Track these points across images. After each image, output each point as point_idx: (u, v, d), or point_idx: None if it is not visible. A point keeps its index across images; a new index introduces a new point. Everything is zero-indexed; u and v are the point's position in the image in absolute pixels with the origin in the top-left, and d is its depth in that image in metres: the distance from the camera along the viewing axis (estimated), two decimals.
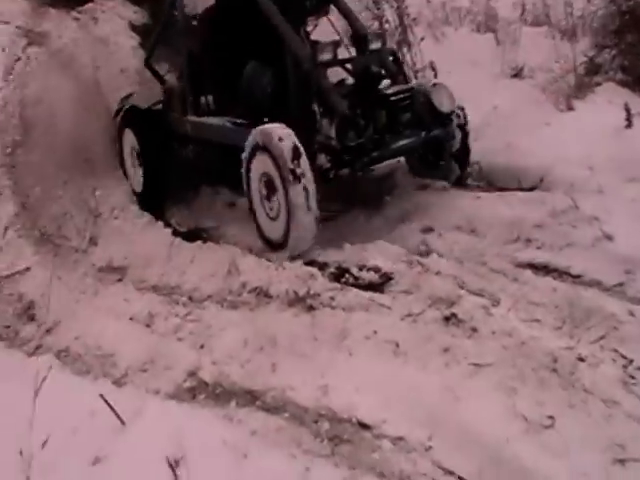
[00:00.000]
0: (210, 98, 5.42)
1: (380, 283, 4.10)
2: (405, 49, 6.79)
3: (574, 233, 4.34)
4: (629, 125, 5.24)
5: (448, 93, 4.87)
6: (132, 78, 7.01)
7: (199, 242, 4.95)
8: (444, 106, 4.76)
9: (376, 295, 3.91)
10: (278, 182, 4.22)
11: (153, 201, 5.75)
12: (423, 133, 4.71)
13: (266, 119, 4.48)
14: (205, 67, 5.34)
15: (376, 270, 4.19)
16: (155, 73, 6.23)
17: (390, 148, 4.57)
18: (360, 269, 4.23)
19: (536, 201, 4.64)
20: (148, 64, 6.26)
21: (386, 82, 4.85)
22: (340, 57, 4.80)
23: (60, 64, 7.33)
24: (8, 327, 4.63)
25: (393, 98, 4.63)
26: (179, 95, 5.65)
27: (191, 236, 5.21)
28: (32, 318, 4.62)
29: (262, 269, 4.28)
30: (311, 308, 3.89)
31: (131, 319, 4.20)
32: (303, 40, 4.94)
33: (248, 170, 4.49)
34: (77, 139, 6.63)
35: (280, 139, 4.17)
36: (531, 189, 5.05)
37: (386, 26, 7.37)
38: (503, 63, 7.32)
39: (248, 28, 4.97)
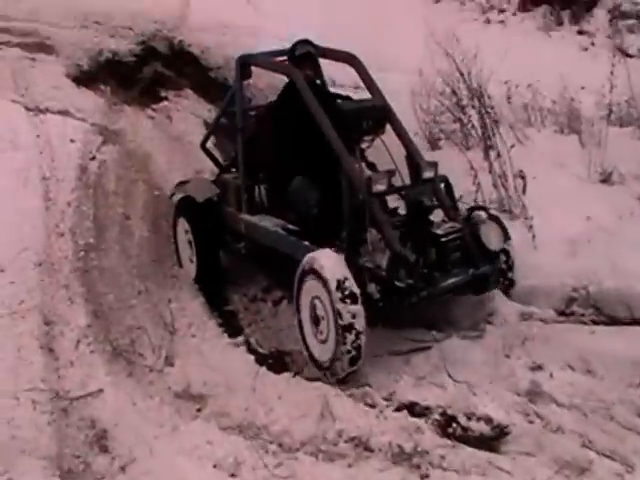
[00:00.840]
0: (264, 195, 5.46)
1: (494, 437, 3.59)
2: (492, 156, 6.33)
3: None
4: None
5: (497, 231, 4.81)
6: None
7: (286, 374, 4.48)
8: (492, 244, 4.70)
9: (493, 456, 3.40)
10: (328, 306, 4.22)
11: (206, 287, 5.75)
12: (471, 271, 4.62)
13: (316, 239, 4.68)
14: (258, 164, 5.43)
15: (487, 420, 3.69)
16: (211, 157, 6.24)
17: (439, 287, 4.52)
18: (469, 418, 3.75)
19: None
20: (204, 147, 6.23)
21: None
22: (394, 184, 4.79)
23: (135, 164, 7.05)
24: (78, 457, 4.16)
25: (444, 239, 4.57)
26: (234, 190, 5.62)
27: (275, 362, 4.76)
28: (105, 449, 4.15)
29: (360, 415, 3.82)
30: (419, 468, 3.37)
31: (215, 466, 3.71)
32: (359, 163, 4.90)
33: (299, 293, 4.52)
34: (152, 245, 6.31)
35: (330, 266, 4.24)
36: None
37: (469, 127, 6.95)
38: (590, 167, 6.80)
39: (302, 138, 4.97)
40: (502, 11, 10.76)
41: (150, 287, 5.82)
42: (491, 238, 4.73)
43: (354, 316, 4.16)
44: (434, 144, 7.34)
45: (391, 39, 9.28)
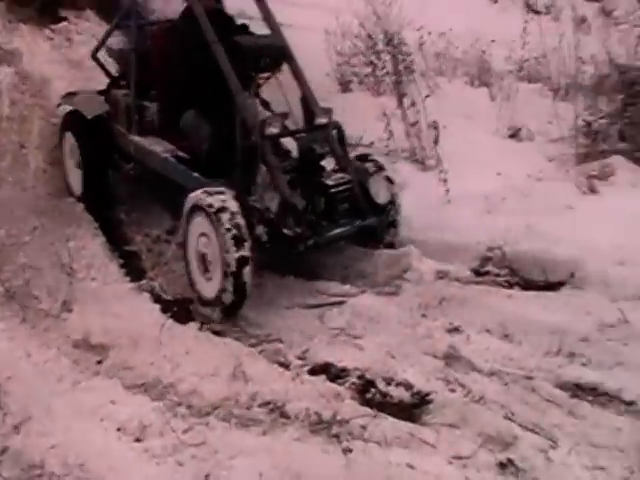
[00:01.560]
0: (155, 114, 5.17)
1: (414, 405, 3.35)
2: (406, 104, 6.03)
3: (625, 351, 3.66)
4: None
5: (385, 184, 4.74)
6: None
7: (193, 325, 4.11)
8: (380, 197, 4.66)
9: (415, 427, 3.14)
10: (215, 242, 4.08)
11: (93, 205, 5.45)
12: (358, 222, 4.56)
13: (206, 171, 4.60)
14: (151, 83, 5.18)
15: (407, 386, 3.44)
16: (102, 67, 5.76)
17: (326, 236, 4.44)
18: (388, 383, 3.49)
19: (579, 309, 3.93)
20: (95, 57, 5.76)
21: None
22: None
23: (31, 88, 6.38)
24: None
25: (333, 190, 4.48)
26: (124, 109, 5.32)
27: (179, 309, 4.36)
28: None
29: (275, 377, 3.49)
30: (338, 438, 3.09)
31: (119, 429, 3.31)
32: (253, 102, 4.78)
33: (186, 229, 4.33)
34: (49, 178, 5.75)
35: (218, 203, 4.09)
36: (560, 283, 4.35)
37: (383, 72, 6.63)
38: (498, 121, 6.62)
39: (198, 66, 4.73)
40: None
41: (46, 223, 5.30)
42: (379, 191, 4.66)
43: (241, 254, 4.01)
44: (345, 86, 7.00)
45: None
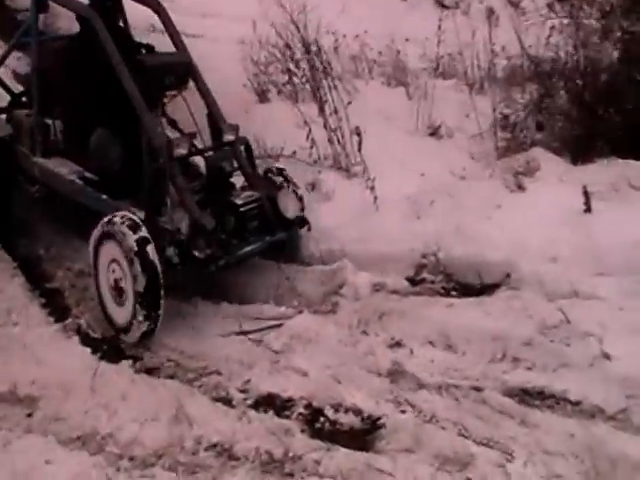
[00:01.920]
0: (60, 133, 5.03)
1: (366, 431, 3.23)
2: (328, 110, 5.89)
3: (567, 351, 3.62)
4: (588, 210, 4.59)
5: (294, 199, 4.72)
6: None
7: (127, 367, 3.90)
8: (289, 212, 4.64)
9: (370, 456, 3.03)
10: (126, 269, 3.98)
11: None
12: (267, 237, 4.54)
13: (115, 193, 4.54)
14: (55, 102, 4.98)
15: (357, 412, 3.32)
16: (3, 85, 5.59)
17: (236, 254, 4.38)
18: (336, 410, 3.36)
19: (520, 312, 3.87)
20: None
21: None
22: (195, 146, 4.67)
23: None
24: None
25: (242, 209, 4.45)
26: (28, 131, 5.12)
27: (109, 347, 4.16)
28: None
29: (220, 417, 3.32)
30: (292, 476, 2.95)
31: None
32: (160, 123, 4.73)
33: (96, 256, 4.22)
34: None
35: (127, 229, 3.99)
36: (496, 285, 4.29)
37: (302, 80, 6.49)
38: (417, 119, 6.56)
39: (103, 84, 4.56)
40: None
41: None
42: (288, 206, 4.65)
43: (152, 279, 3.92)
44: (263, 97, 6.82)
45: None
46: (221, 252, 4.26)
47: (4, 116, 5.47)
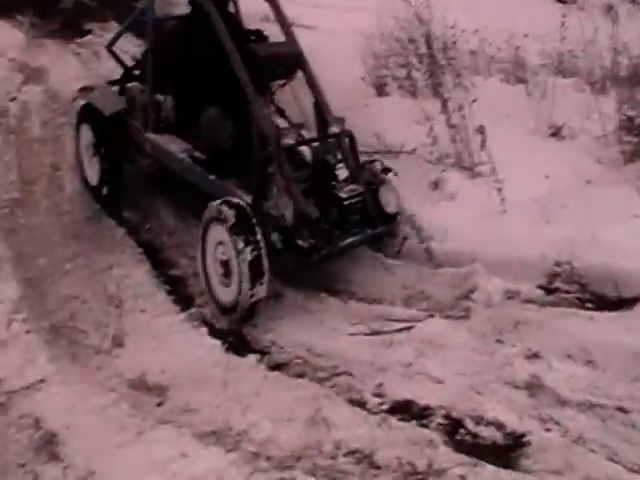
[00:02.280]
0: (171, 108, 5.11)
1: (509, 447, 3.09)
2: (451, 107, 5.72)
3: None
4: None
5: (396, 194, 4.77)
6: None
7: (261, 368, 3.84)
8: (390, 207, 4.70)
9: (520, 476, 2.89)
10: (231, 250, 4.11)
11: (107, 198, 5.42)
12: (369, 230, 4.60)
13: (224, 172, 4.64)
14: (167, 79, 5.09)
15: (499, 426, 3.18)
16: (117, 59, 5.71)
17: (338, 245, 4.45)
18: (477, 422, 3.22)
19: None
20: (110, 50, 5.68)
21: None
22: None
23: (62, 107, 6.12)
24: (23, 466, 3.43)
25: (346, 202, 4.51)
26: (141, 106, 5.24)
27: (235, 339, 4.12)
28: (55, 457, 3.43)
29: (358, 422, 3.23)
30: None
31: None
32: (269, 111, 4.83)
33: (204, 237, 4.37)
34: (86, 201, 5.51)
35: (234, 213, 4.13)
36: (636, 299, 4.07)
37: (424, 75, 6.33)
38: (537, 119, 6.32)
39: (216, 66, 4.66)
40: None
41: (87, 250, 5.06)
42: (390, 201, 4.70)
43: (256, 260, 4.05)
44: (381, 90, 6.68)
45: None
46: (323, 242, 4.32)
47: (117, 88, 5.59)
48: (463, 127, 5.67)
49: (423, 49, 6.38)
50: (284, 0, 7.71)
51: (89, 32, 7.22)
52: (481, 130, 5.52)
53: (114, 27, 7.17)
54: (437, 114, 5.86)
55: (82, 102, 5.56)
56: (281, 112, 5.20)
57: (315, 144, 4.63)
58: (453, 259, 4.60)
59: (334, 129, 4.65)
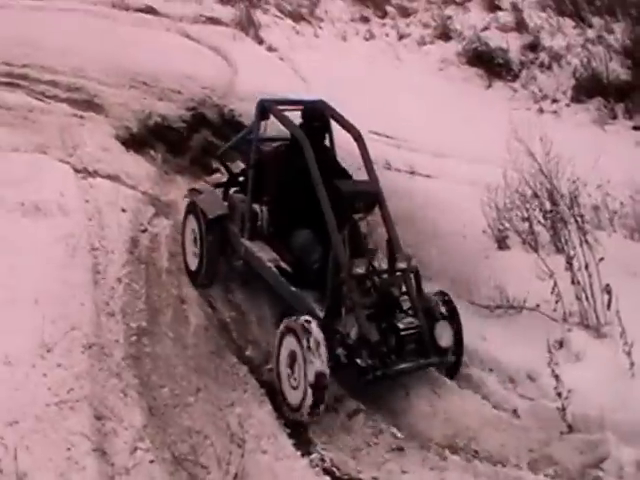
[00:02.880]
0: (265, 222, 5.88)
1: None
2: (576, 265, 5.77)
3: None
4: None
5: (449, 331, 5.22)
6: None
7: None
8: (443, 341, 5.14)
9: None
10: (300, 358, 4.76)
11: (202, 283, 6.19)
12: (422, 360, 5.08)
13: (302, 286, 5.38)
14: (266, 194, 5.89)
15: None
16: (225, 166, 6.68)
17: (393, 369, 4.93)
18: None
19: None
20: (220, 158, 6.77)
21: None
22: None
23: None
24: None
25: (402, 333, 5.00)
26: (240, 214, 5.99)
27: None
28: None
29: None
30: None
31: None
32: (344, 240, 5.26)
33: (279, 348, 4.99)
34: (210, 335, 5.74)
35: (306, 329, 4.78)
36: None
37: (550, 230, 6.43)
38: None
39: (309, 194, 5.33)
40: (555, 101, 10.31)
41: (209, 385, 5.20)
42: (443, 336, 5.14)
43: (321, 371, 4.68)
44: (502, 243, 6.79)
45: (449, 126, 8.84)
46: (380, 364, 4.84)
47: (220, 192, 6.46)
48: (588, 285, 5.69)
49: (547, 204, 6.50)
50: (400, 147, 8.15)
51: (217, 171, 7.68)
52: (607, 289, 5.55)
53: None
54: (560, 270, 5.90)
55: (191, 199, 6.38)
56: (364, 237, 5.86)
57: (383, 276, 5.17)
58: (580, 423, 4.54)
59: (401, 264, 5.18)
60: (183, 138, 8.53)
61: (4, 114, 8.33)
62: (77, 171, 7.38)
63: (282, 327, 5.01)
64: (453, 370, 5.38)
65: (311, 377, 4.66)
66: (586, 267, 5.67)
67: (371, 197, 5.48)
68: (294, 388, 4.85)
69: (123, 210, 6.88)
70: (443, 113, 9.23)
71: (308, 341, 4.74)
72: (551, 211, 6.57)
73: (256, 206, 5.86)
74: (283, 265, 5.54)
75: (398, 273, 5.22)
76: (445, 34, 12.18)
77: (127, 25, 10.38)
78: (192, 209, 6.27)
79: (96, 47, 9.73)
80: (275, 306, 5.86)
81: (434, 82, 10.71)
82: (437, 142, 8.69)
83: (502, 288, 5.89)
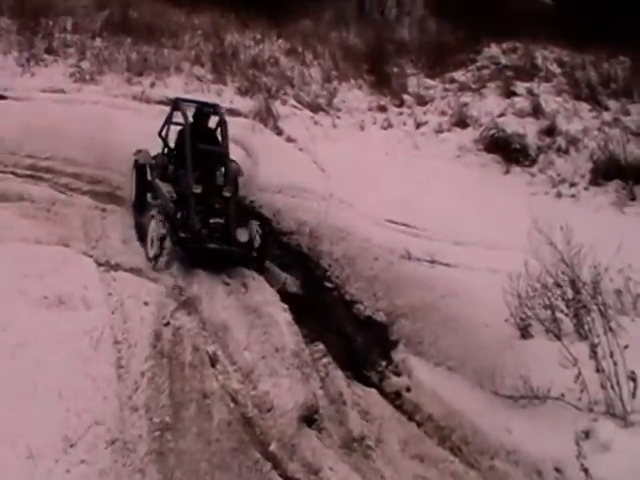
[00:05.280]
0: (170, 170, 8.80)
1: None
2: (601, 353, 5.83)
3: None
4: None
5: (246, 233, 7.88)
6: (287, 360, 6.36)
7: None
8: (242, 238, 7.80)
9: None
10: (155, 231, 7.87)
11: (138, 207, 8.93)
12: (226, 246, 7.78)
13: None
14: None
15: None
16: (163, 139, 9.07)
17: (205, 245, 7.71)
18: None
19: None
20: (160, 135, 9.06)
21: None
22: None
23: (212, 334, 6.64)
24: None
25: (212, 224, 7.91)
26: (157, 165, 8.95)
27: None
28: None
29: None
30: None
31: None
32: (201, 175, 8.21)
33: (148, 227, 8.07)
34: (232, 431, 5.83)
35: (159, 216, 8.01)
36: None
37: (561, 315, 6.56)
38: None
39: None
40: (573, 185, 10.51)
41: None
42: (242, 235, 7.81)
43: (163, 234, 7.74)
44: (525, 332, 6.87)
45: (468, 213, 9.03)
46: (196, 239, 7.73)
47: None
48: (613, 372, 5.73)
49: (569, 292, 6.59)
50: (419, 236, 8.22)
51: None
52: (632, 376, 5.61)
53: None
54: (584, 358, 5.97)
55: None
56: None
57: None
58: None
59: (226, 193, 8.12)
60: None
61: (28, 207, 8.66)
62: (100, 264, 7.57)
63: (149, 215, 8.10)
64: (258, 266, 7.97)
65: (157, 237, 7.71)
66: (611, 355, 5.73)
67: (218, 153, 8.50)
68: (151, 247, 7.82)
69: (146, 303, 7.02)
70: (461, 200, 9.41)
71: (158, 220, 7.81)
72: (573, 299, 6.64)
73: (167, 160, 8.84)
74: (173, 194, 8.24)
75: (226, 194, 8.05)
76: (462, 121, 12.44)
77: (148, 117, 10.68)
78: (135, 162, 9.11)
79: (118, 138, 10.05)
80: (297, 394, 5.94)
81: (452, 169, 10.93)
82: (456, 230, 8.81)
83: (526, 377, 5.96)
